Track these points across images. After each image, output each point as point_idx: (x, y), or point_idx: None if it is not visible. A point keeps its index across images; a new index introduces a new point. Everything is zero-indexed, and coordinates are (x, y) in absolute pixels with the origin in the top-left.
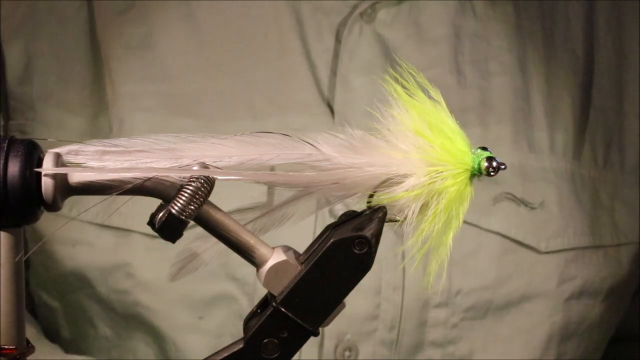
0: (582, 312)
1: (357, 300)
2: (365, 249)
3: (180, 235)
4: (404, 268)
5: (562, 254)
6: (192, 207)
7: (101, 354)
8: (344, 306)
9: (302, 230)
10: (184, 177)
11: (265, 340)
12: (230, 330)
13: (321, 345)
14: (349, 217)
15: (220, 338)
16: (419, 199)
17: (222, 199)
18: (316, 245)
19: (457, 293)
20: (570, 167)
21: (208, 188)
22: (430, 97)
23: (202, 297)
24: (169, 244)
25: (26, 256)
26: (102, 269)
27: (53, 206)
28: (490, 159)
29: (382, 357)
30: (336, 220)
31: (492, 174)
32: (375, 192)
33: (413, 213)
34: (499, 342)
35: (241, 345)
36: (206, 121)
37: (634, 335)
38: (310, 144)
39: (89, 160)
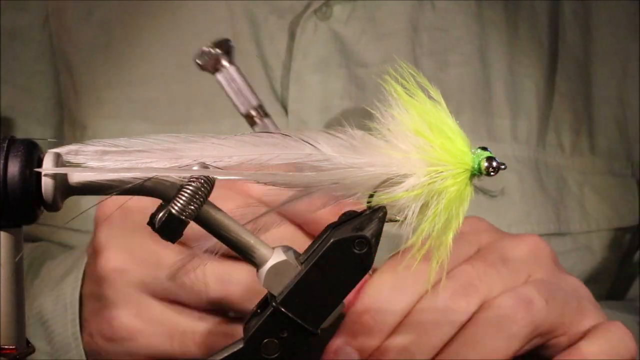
0: None
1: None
2: (365, 249)
3: (180, 235)
4: None
5: None
6: (192, 207)
7: None
8: (344, 306)
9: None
10: (184, 177)
11: (265, 340)
12: None
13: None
14: (349, 217)
15: None
16: (419, 199)
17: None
18: (316, 245)
19: None
20: (533, 155)
21: (208, 188)
22: (430, 97)
23: None
24: None
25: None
26: None
27: (53, 206)
28: (490, 159)
29: None
30: (336, 220)
31: (492, 173)
32: (375, 192)
33: (413, 213)
34: None
35: (241, 345)
36: (164, 125)
37: None
38: (310, 144)
39: (89, 160)
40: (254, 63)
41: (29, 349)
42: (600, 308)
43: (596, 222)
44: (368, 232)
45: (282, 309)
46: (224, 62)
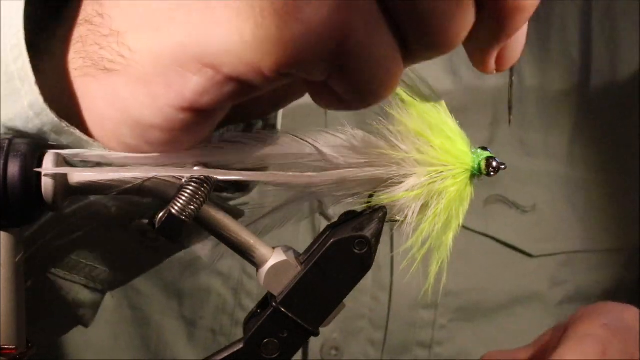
0: None
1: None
2: (365, 249)
3: (180, 235)
4: (391, 267)
5: (553, 258)
6: (192, 207)
7: None
8: (343, 306)
9: (302, 230)
10: (184, 177)
11: (265, 340)
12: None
13: (307, 344)
14: (349, 217)
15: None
16: (419, 199)
17: None
18: (316, 245)
19: (446, 294)
20: (563, 170)
21: (208, 188)
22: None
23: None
24: None
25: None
26: None
27: (53, 206)
28: (490, 159)
29: (368, 357)
30: (336, 220)
31: (492, 174)
32: (375, 192)
33: (413, 213)
34: (488, 344)
35: (241, 345)
36: None
37: None
38: (310, 144)
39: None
40: None
41: (29, 349)
42: None
43: (621, 240)
44: (368, 232)
45: (282, 309)
46: None
